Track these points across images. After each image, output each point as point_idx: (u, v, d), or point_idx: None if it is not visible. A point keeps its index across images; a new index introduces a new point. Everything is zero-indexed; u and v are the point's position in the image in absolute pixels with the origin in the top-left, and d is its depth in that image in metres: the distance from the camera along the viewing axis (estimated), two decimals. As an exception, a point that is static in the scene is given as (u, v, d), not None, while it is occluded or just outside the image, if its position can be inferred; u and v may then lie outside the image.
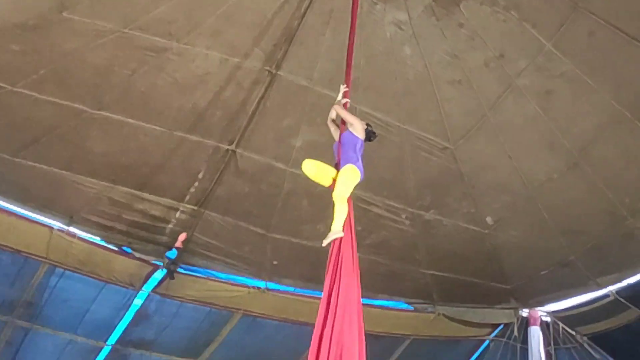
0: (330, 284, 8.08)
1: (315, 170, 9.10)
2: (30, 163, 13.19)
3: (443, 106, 13.46)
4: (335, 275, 8.12)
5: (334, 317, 7.73)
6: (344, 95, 10.01)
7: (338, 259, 8.26)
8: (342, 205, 8.86)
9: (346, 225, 8.59)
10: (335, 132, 9.96)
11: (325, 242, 8.68)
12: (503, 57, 12.49)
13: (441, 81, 13.13)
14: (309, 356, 7.65)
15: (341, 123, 9.84)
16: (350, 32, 10.71)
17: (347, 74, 10.32)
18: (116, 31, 11.84)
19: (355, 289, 8.10)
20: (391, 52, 12.86)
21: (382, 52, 12.78)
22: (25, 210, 13.79)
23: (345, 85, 10.09)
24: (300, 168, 9.33)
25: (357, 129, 9.52)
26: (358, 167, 9.14)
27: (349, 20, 11.45)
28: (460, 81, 13.04)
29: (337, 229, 8.64)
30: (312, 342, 7.75)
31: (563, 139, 12.96)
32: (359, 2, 11.03)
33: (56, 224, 14.02)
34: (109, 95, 12.74)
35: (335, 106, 9.95)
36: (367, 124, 9.80)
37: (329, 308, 7.83)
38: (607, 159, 12.92)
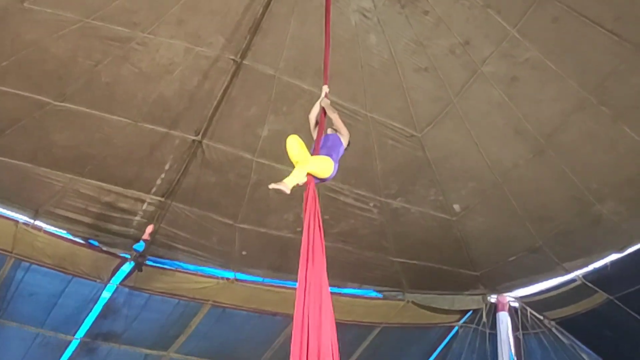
0: (303, 274, 8.00)
1: (298, 148, 9.04)
2: (-7, 157, 13.05)
3: (409, 94, 13.46)
4: (307, 265, 8.04)
5: (309, 306, 7.63)
6: (325, 96, 9.97)
7: (308, 248, 8.18)
8: (301, 173, 9.02)
9: (312, 214, 8.52)
10: (314, 129, 9.90)
11: (271, 186, 8.96)
12: (468, 44, 12.48)
13: (407, 69, 13.12)
14: (291, 347, 7.54)
15: (321, 122, 9.77)
16: (325, 33, 10.68)
17: (325, 73, 10.26)
18: (79, 21, 11.72)
19: (325, 277, 8.03)
20: (356, 40, 12.84)
21: (347, 40, 12.73)
22: (-11, 204, 13.64)
23: (326, 86, 10.05)
24: (284, 145, 9.22)
25: (345, 138, 9.71)
26: (334, 167, 9.24)
27: (314, 9, 11.47)
28: (426, 68, 13.03)
29: (286, 185, 8.87)
30: (293, 333, 7.63)
31: (529, 125, 12.99)
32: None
33: (21, 217, 13.89)
34: (73, 87, 12.60)
35: (329, 110, 9.84)
36: None
37: (305, 297, 7.74)
38: (573, 145, 12.96)
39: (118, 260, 14.75)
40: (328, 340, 7.52)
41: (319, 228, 8.42)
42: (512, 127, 13.18)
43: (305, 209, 8.61)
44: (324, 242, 8.37)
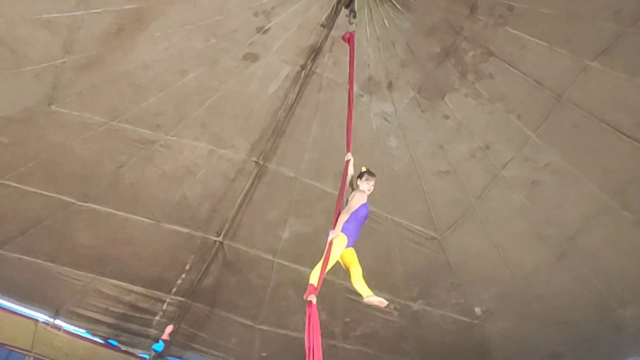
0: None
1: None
2: (16, 255, 13.12)
3: (429, 197, 13.53)
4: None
5: None
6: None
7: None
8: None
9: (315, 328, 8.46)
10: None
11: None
12: (489, 148, 12.61)
13: (427, 172, 13.24)
14: None
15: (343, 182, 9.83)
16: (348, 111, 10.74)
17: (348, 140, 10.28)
18: (104, 123, 12.00)
19: None
20: (377, 143, 12.99)
21: (368, 143, 12.89)
22: (11, 302, 13.64)
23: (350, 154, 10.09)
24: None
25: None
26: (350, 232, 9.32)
27: (335, 113, 11.62)
28: (446, 172, 13.14)
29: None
30: None
31: (550, 229, 12.97)
32: (346, 96, 11.11)
33: (41, 316, 13.87)
34: (97, 187, 12.79)
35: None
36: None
37: None
38: (595, 249, 12.89)
39: (137, 360, 14.63)
40: None
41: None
42: (533, 231, 13.16)
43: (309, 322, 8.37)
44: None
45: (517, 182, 12.74)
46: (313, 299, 8.43)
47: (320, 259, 8.90)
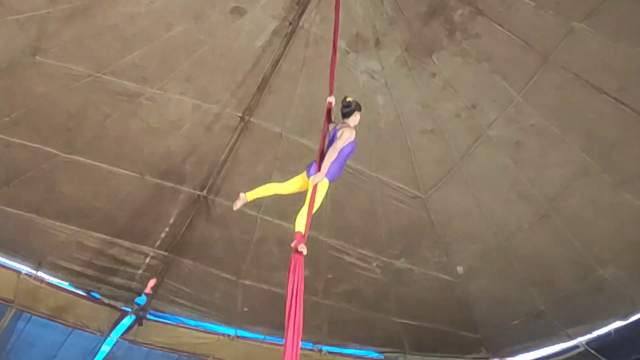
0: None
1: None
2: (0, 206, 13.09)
3: (415, 155, 13.55)
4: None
5: None
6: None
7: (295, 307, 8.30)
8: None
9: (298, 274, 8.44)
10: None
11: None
12: (474, 107, 12.62)
13: (413, 130, 13.23)
14: None
15: (325, 122, 9.58)
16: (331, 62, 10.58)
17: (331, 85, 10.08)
18: (89, 75, 11.91)
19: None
20: (363, 101, 12.85)
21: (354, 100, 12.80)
22: (-6, 254, 13.67)
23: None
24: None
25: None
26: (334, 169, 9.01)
27: (322, 67, 11.55)
28: (432, 130, 13.14)
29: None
30: None
31: (533, 189, 13.04)
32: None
33: (24, 268, 13.89)
34: (81, 139, 12.74)
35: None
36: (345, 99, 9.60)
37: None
38: (576, 209, 12.98)
39: (119, 314, 14.68)
40: None
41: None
42: (516, 190, 13.22)
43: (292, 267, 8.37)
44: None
45: (501, 142, 12.78)
46: (304, 249, 8.32)
47: (303, 204, 8.74)
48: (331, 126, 9.50)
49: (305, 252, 8.35)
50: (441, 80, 12.46)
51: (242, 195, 9.12)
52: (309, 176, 9.02)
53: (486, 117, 12.65)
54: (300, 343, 8.02)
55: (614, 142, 11.80)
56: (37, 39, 11.29)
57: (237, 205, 9.22)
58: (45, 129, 12.53)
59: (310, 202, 8.71)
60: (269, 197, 13.48)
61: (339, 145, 8.98)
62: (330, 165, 8.89)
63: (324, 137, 9.35)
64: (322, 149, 9.17)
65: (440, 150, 13.35)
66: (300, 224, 8.64)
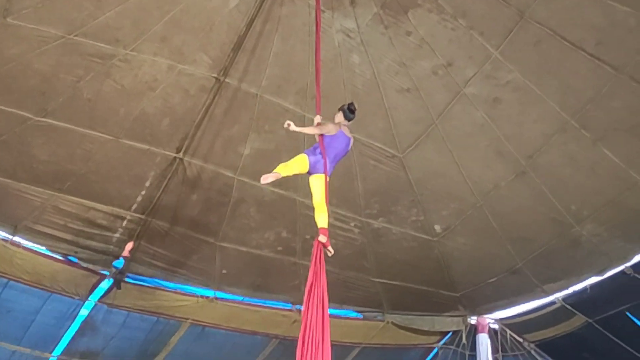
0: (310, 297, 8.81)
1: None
2: (-27, 171, 12.98)
3: (391, 114, 13.52)
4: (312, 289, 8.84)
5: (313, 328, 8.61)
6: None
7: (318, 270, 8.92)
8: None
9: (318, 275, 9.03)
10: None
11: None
12: (451, 65, 12.58)
13: (389, 89, 13.18)
14: None
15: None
16: (316, 60, 10.77)
17: (317, 103, 10.29)
18: (61, 37, 11.73)
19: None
20: (339, 60, 12.89)
21: (330, 59, 12.73)
22: (-32, 220, 13.55)
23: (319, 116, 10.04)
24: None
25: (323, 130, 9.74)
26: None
27: (298, 27, 11.48)
28: (408, 89, 13.09)
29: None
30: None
31: (510, 146, 13.09)
32: (309, 11, 11.03)
33: (0, 233, 13.75)
34: (54, 102, 12.56)
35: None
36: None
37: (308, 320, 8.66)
38: (554, 166, 13.05)
39: (97, 277, 14.62)
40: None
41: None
42: (493, 148, 13.26)
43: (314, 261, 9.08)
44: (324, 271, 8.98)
45: (478, 99, 12.77)
46: (331, 250, 9.41)
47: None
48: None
49: (332, 252, 9.40)
50: (417, 38, 12.38)
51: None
52: (314, 172, 9.51)
53: (463, 75, 12.61)
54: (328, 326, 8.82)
55: (591, 98, 11.83)
56: (8, 1, 11.08)
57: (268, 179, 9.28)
58: (18, 92, 12.33)
59: (326, 198, 9.38)
60: (246, 158, 13.63)
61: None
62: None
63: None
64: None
65: (417, 108, 13.31)
66: (322, 219, 9.28)
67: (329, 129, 9.63)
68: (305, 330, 8.61)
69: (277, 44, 12.58)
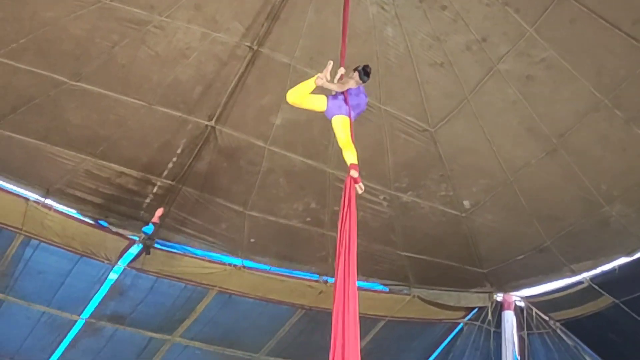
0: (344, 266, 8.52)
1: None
2: (7, 133, 13.11)
3: (424, 88, 13.44)
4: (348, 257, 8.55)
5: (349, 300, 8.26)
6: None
7: (347, 239, 8.62)
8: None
9: (349, 206, 8.88)
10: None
11: None
12: (485, 41, 12.47)
13: (422, 63, 13.10)
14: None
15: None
16: (344, 12, 10.65)
17: (342, 54, 10.26)
18: (97, 1, 11.75)
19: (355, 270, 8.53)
20: (373, 32, 12.81)
21: (364, 32, 12.71)
22: (1, 180, 13.69)
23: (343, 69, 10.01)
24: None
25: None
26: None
27: (332, -1, 11.46)
28: (442, 64, 13.02)
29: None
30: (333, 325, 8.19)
31: (542, 124, 13.01)
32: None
33: (32, 195, 13.91)
34: (89, 67, 12.64)
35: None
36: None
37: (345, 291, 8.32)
38: (585, 146, 12.99)
39: (126, 242, 14.76)
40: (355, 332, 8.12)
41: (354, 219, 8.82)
42: (525, 125, 13.19)
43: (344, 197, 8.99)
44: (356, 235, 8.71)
45: (511, 76, 12.67)
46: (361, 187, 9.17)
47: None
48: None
49: (362, 189, 9.21)
50: (452, 12, 12.27)
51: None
52: (336, 113, 9.45)
53: (497, 51, 12.50)
54: (355, 273, 8.47)
55: (625, 77, 11.74)
56: (45, -37, 11.20)
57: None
58: (53, 56, 12.42)
59: (351, 137, 9.33)
60: (277, 128, 13.66)
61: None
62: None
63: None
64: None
65: (450, 83, 13.23)
66: (350, 157, 9.21)
67: (351, 84, 9.62)
68: (336, 275, 8.51)
69: (311, 15, 12.54)
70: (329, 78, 9.33)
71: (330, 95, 9.58)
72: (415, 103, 13.71)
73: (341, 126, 9.37)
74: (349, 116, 9.38)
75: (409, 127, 14.04)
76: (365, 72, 9.75)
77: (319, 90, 9.35)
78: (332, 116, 9.44)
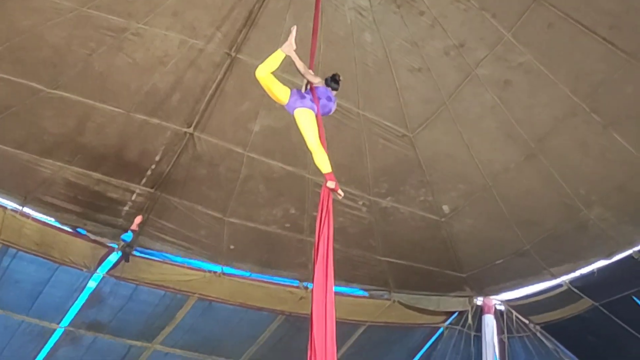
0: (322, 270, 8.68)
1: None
2: (-17, 142, 13.02)
3: (402, 94, 13.47)
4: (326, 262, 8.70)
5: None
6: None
7: (325, 242, 8.72)
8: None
9: (325, 219, 8.82)
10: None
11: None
12: (463, 46, 12.51)
13: (401, 68, 13.13)
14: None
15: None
16: (314, 18, 10.71)
17: (312, 54, 10.29)
18: (74, 9, 11.69)
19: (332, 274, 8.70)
20: (351, 38, 12.83)
21: (342, 37, 12.74)
22: (-22, 189, 13.60)
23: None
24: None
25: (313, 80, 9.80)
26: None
27: (310, 5, 11.43)
28: (420, 69, 13.05)
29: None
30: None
31: (520, 129, 13.05)
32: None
33: (10, 204, 13.81)
34: (66, 75, 12.58)
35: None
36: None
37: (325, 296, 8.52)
38: (564, 150, 13.04)
39: (105, 250, 14.70)
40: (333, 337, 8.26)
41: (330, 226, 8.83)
42: (503, 130, 13.23)
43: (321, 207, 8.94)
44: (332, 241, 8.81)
45: (489, 81, 12.71)
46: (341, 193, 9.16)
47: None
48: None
49: (342, 195, 9.20)
50: (430, 18, 12.31)
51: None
52: (298, 106, 9.36)
53: (475, 56, 12.54)
54: (332, 280, 8.70)
55: (602, 82, 11.79)
56: (20, -29, 11.15)
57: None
58: (30, 64, 12.35)
59: (321, 139, 9.20)
60: (256, 135, 13.62)
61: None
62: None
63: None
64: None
65: (428, 89, 13.26)
66: (324, 164, 9.09)
67: (316, 80, 9.66)
68: (314, 284, 8.66)
69: (289, 21, 12.50)
70: (294, 46, 9.44)
71: (297, 90, 9.52)
72: (393, 108, 13.73)
73: (307, 122, 9.21)
74: (316, 113, 9.29)
75: (387, 133, 14.06)
76: (333, 80, 9.81)
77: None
78: (294, 109, 9.32)
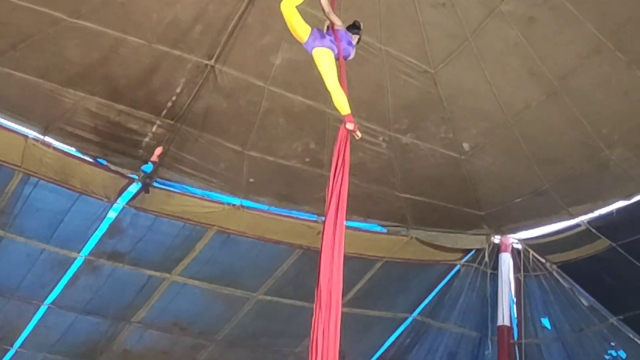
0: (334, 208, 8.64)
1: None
2: (6, 70, 12.98)
3: (425, 29, 13.32)
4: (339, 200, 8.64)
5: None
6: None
7: (339, 184, 8.67)
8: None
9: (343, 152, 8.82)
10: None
11: None
12: (488, -20, 12.38)
13: (424, 3, 12.96)
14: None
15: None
16: None
17: None
18: (97, -62, 11.64)
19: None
20: (375, -27, 12.72)
21: (366, -29, 12.61)
22: (0, 118, 13.62)
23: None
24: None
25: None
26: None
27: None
28: (443, 4, 12.87)
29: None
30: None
31: (543, 67, 12.94)
32: None
33: (31, 133, 13.86)
34: (88, 4, 12.48)
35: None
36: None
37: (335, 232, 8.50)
38: (586, 89, 12.96)
39: (126, 181, 14.78)
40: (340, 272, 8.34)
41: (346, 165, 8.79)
42: (526, 68, 13.12)
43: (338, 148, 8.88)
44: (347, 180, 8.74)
45: (514, 17, 12.54)
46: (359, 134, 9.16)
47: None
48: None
49: (359, 136, 9.20)
50: (455, -49, 12.20)
51: None
52: (317, 45, 9.19)
53: (500, -9, 12.43)
54: (344, 216, 8.63)
55: (629, 20, 11.66)
56: None
57: None
58: (52, -8, 12.33)
59: (342, 80, 9.09)
60: (277, 68, 13.55)
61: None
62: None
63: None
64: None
65: (451, 24, 13.10)
66: (343, 105, 8.99)
67: (338, 23, 9.58)
68: (325, 221, 8.68)
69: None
70: None
71: (317, 29, 9.37)
72: (416, 44, 13.61)
73: (325, 62, 9.11)
74: (337, 54, 9.21)
75: (409, 68, 13.96)
76: (355, 26, 9.79)
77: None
78: (313, 48, 9.20)
